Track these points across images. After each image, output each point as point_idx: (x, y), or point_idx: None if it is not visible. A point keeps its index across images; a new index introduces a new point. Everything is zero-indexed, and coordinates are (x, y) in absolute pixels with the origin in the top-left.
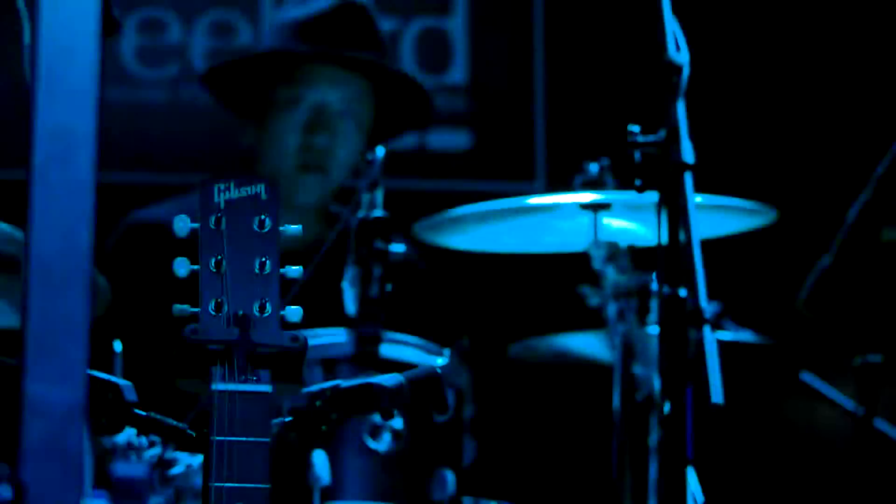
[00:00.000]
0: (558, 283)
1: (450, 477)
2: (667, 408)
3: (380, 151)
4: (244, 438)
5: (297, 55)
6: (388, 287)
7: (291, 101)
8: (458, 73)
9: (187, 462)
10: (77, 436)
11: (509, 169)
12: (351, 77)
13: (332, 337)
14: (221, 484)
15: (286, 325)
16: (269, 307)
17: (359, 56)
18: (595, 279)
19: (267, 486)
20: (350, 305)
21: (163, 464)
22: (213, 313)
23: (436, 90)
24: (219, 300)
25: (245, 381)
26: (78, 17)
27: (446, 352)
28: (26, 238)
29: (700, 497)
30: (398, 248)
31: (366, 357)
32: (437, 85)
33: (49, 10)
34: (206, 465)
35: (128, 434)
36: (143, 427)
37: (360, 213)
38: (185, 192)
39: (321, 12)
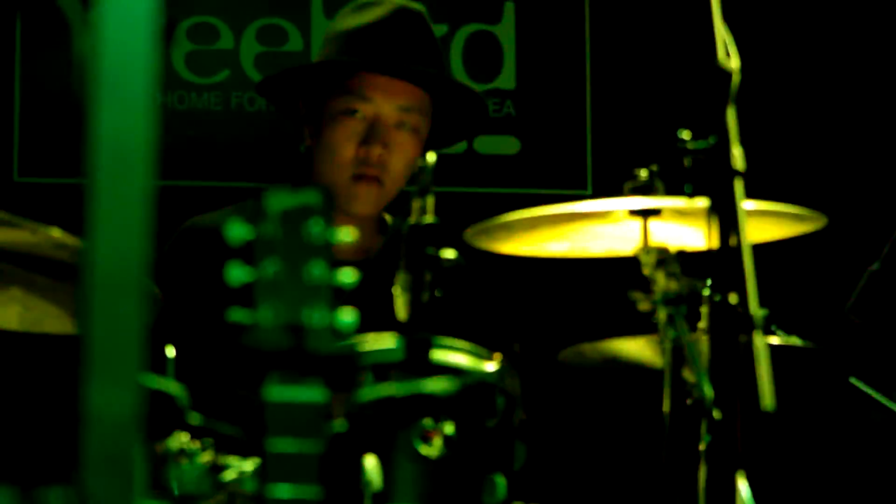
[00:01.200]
0: (608, 289)
1: (501, 482)
2: (717, 414)
3: (431, 158)
4: (297, 444)
5: (351, 65)
6: (439, 293)
7: (346, 112)
8: (506, 78)
9: (239, 467)
10: (137, 445)
11: (558, 175)
12: (406, 88)
13: (383, 343)
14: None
15: (340, 332)
16: (323, 315)
17: (414, 67)
18: (645, 285)
19: (320, 492)
20: (401, 311)
21: (215, 469)
22: (267, 321)
23: (485, 96)
24: (274, 308)
25: (299, 389)
26: (135, 27)
27: (497, 357)
28: (86, 249)
29: (751, 502)
30: (449, 254)
31: (417, 363)
32: (485, 91)
33: (108, 22)
34: (261, 473)
35: (180, 439)
36: (196, 433)
37: (411, 220)
38: (240, 200)
39: (376, 20)
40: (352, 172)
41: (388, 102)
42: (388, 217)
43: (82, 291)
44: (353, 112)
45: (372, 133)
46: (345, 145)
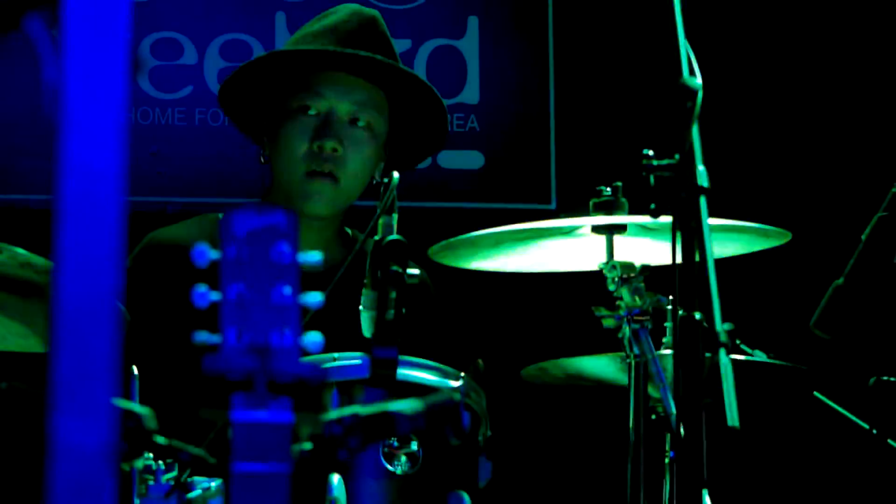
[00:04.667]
0: (573, 305)
1: (465, 499)
2: (682, 431)
3: (395, 176)
4: (264, 467)
5: (303, 57)
6: (404, 311)
7: (300, 110)
8: (470, 94)
9: (204, 485)
10: (107, 475)
11: (522, 190)
12: (360, 84)
13: (348, 361)
14: None
15: (306, 353)
16: (288, 336)
17: (363, 54)
18: (610, 301)
19: None
20: (366, 329)
21: (180, 487)
22: (233, 343)
23: (448, 111)
24: (239, 330)
25: (265, 411)
26: (106, 55)
27: (461, 375)
28: (55, 277)
29: None
30: (414, 271)
31: (382, 380)
32: (449, 106)
33: (76, 49)
34: (227, 494)
35: (145, 458)
36: (163, 454)
37: (376, 237)
38: (195, 212)
39: (332, 23)
40: (306, 169)
41: (341, 98)
42: (349, 230)
43: (51, 315)
44: (307, 109)
45: (325, 128)
46: (298, 141)
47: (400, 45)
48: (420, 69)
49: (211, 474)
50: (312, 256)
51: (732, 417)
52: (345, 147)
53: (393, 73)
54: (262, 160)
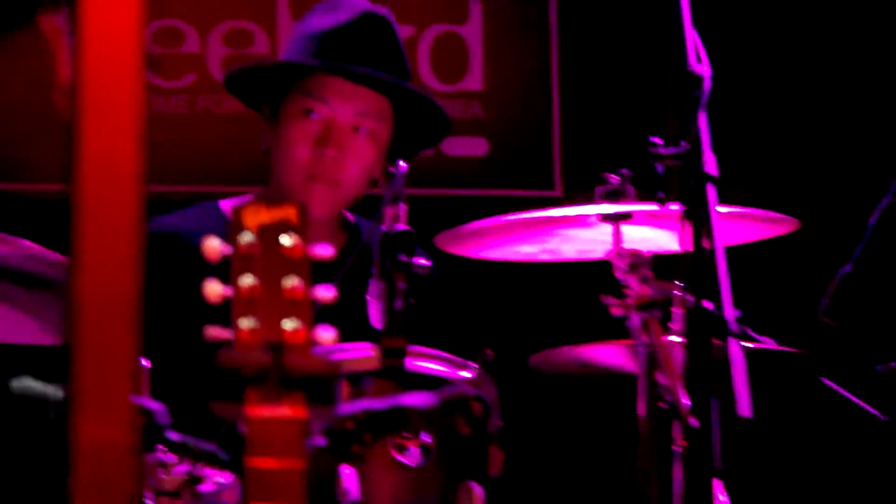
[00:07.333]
0: (580, 293)
1: (478, 489)
2: (693, 420)
3: (402, 165)
4: (279, 462)
5: (309, 67)
6: (412, 301)
7: (303, 113)
8: (474, 80)
9: (216, 479)
10: (130, 474)
11: (527, 176)
12: (364, 92)
13: (357, 351)
14: None
15: (318, 347)
16: (301, 330)
17: (371, 73)
18: (618, 289)
19: None
20: (375, 319)
21: (192, 481)
22: (246, 337)
23: (452, 97)
24: (251, 324)
25: (279, 405)
26: (122, 52)
27: (471, 365)
28: (73, 272)
29: None
30: (422, 261)
31: (392, 371)
32: (453, 92)
33: (93, 46)
34: (242, 490)
35: (157, 450)
36: (176, 449)
37: (384, 227)
38: (198, 201)
39: (341, 24)
40: (306, 173)
41: (344, 106)
42: (349, 216)
43: (68, 311)
44: (310, 113)
45: (327, 135)
46: (299, 146)
47: (403, 31)
48: (423, 55)
49: (224, 469)
50: (323, 249)
51: (744, 406)
52: (345, 154)
53: (395, 85)
54: (264, 151)
